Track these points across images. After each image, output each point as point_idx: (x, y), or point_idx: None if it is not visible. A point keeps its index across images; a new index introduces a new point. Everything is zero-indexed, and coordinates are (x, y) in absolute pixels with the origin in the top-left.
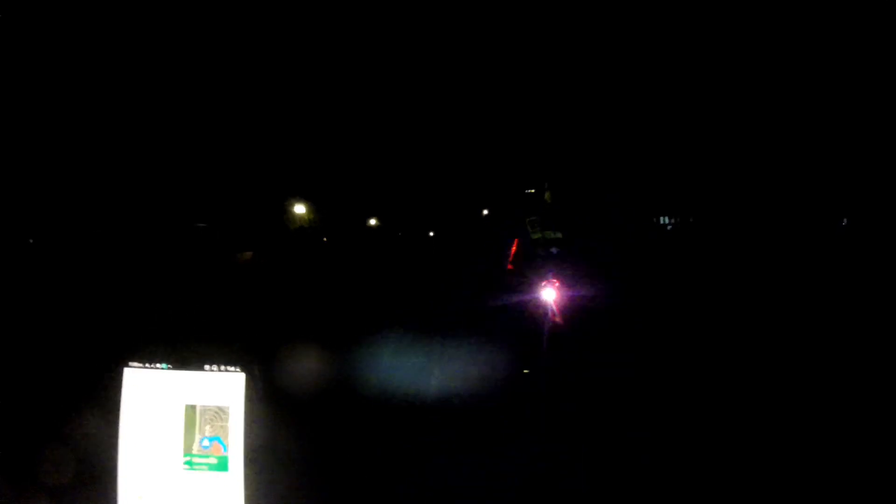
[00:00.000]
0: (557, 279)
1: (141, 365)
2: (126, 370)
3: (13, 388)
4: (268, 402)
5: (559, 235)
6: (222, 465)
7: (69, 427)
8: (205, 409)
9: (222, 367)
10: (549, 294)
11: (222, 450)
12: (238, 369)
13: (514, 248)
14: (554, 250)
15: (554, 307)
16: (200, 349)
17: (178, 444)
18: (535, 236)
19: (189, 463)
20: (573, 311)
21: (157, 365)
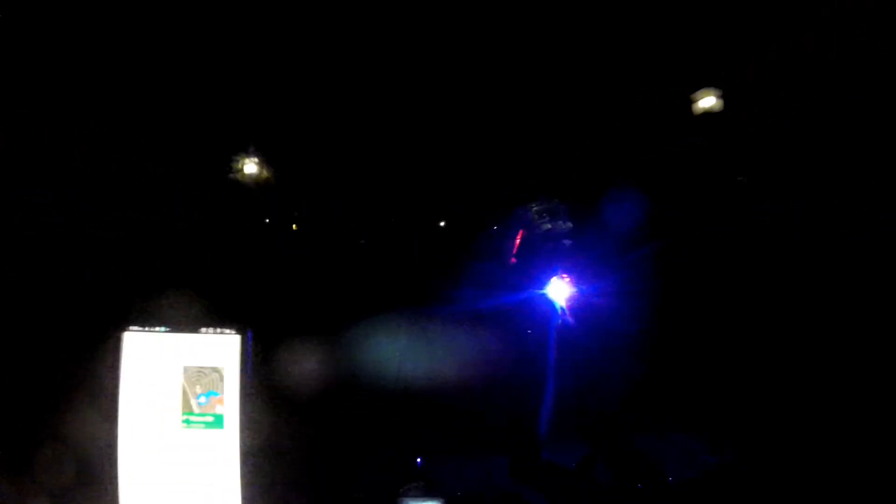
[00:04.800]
0: (568, 274)
1: (140, 328)
2: (125, 334)
3: (16, 355)
4: (262, 364)
5: (570, 225)
6: (218, 423)
7: (72, 389)
8: (201, 370)
9: (218, 330)
10: (559, 290)
11: (218, 409)
12: (233, 332)
13: (518, 240)
14: (565, 241)
15: (564, 304)
16: (197, 312)
17: (175, 403)
18: (544, 227)
19: (187, 422)
20: (585, 309)
21: (156, 328)
